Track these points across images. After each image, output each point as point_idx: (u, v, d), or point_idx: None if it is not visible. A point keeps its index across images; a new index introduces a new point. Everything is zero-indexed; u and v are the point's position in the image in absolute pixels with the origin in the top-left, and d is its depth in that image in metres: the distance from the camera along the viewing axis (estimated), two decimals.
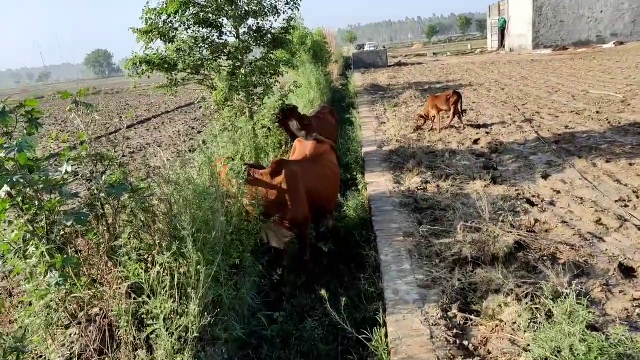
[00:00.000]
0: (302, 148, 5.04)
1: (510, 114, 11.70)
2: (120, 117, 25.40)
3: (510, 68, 24.44)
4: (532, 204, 5.78)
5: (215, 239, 3.30)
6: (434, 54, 48.71)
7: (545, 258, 4.34)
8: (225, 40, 7.07)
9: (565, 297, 3.28)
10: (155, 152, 14.15)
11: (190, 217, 3.24)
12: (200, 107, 7.21)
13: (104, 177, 3.37)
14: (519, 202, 5.80)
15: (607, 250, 4.44)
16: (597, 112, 10.68)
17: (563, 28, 36.66)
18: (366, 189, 6.67)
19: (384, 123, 11.98)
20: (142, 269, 2.99)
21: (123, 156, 13.74)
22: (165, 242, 3.32)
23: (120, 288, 2.85)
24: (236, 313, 3.63)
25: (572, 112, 11.12)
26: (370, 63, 35.85)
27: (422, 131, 10.76)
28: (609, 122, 9.62)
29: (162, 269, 2.98)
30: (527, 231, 4.96)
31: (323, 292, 3.03)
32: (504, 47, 42.80)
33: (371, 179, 7.00)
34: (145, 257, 3.23)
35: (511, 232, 4.71)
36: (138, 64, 6.15)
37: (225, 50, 6.97)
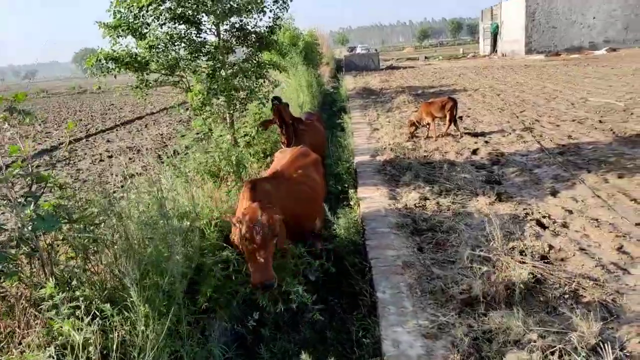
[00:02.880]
0: (279, 159, 4.39)
1: (508, 122, 11.17)
2: (104, 118, 24.54)
3: (504, 73, 24.04)
4: (543, 226, 5.18)
5: (167, 284, 2.63)
6: (425, 57, 48.30)
7: (566, 296, 3.74)
8: (204, 38, 6.40)
9: (599, 353, 2.72)
10: (133, 158, 13.41)
11: (136, 259, 2.58)
12: (175, 112, 6.46)
13: (31, 207, 2.66)
14: (528, 224, 5.20)
15: (635, 285, 3.85)
16: (600, 122, 10.18)
17: (556, 34, 36.52)
18: (359, 204, 6.04)
19: (377, 129, 11.38)
20: (72, 327, 2.32)
21: (93, 168, 12.66)
22: (107, 290, 2.65)
23: (38, 355, 2.17)
24: None
25: (573, 120, 10.62)
26: (362, 66, 35.31)
27: (417, 139, 10.16)
28: (613, 133, 9.10)
29: (97, 327, 2.32)
30: (542, 260, 4.36)
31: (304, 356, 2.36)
32: (496, 51, 42.59)
33: (364, 194, 6.37)
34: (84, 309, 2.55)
35: (525, 263, 4.10)
36: (103, 61, 5.44)
37: (204, 50, 6.29)
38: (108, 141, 17.03)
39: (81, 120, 24.98)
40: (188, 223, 2.88)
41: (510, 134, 9.90)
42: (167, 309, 2.64)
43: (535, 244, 4.67)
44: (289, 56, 14.78)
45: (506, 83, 19.43)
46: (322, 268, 4.79)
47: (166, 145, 14.32)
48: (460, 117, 11.67)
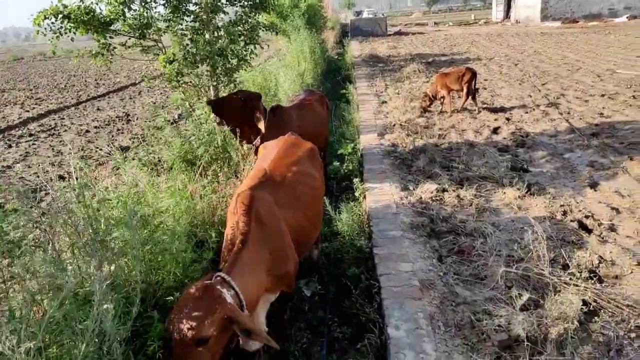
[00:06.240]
0: (265, 156, 3.38)
1: (530, 96, 10.12)
2: (98, 83, 23.41)
3: (519, 41, 22.61)
4: (587, 230, 4.31)
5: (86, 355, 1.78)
6: (435, 23, 46.25)
7: (632, 335, 2.90)
8: None
9: None
10: (121, 129, 12.43)
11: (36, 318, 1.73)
12: (143, 82, 5.47)
13: None
14: (569, 226, 4.33)
15: None
16: (634, 97, 9.12)
17: (573, 0, 34.58)
18: (365, 197, 5.15)
19: (385, 102, 10.35)
20: None
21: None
22: None
23: None
24: None
25: (602, 95, 9.55)
26: (369, 31, 33.60)
27: (430, 114, 9.18)
28: None
29: None
30: (591, 277, 3.50)
31: None
32: (509, 18, 40.64)
33: (371, 183, 5.47)
34: None
35: (577, 285, 3.25)
36: (53, 19, 4.43)
37: (183, 7, 5.26)
38: (98, 109, 16.10)
39: (74, 86, 23.90)
40: (110, 268, 1.98)
41: (533, 109, 8.89)
42: None
43: (581, 255, 3.81)
44: (290, 19, 13.58)
45: (523, 52, 18.13)
46: (318, 279, 3.99)
47: (157, 115, 13.33)
48: (477, 89, 10.63)
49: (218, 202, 3.99)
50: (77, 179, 3.29)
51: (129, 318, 2.22)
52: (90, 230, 2.38)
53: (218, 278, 2.08)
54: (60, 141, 11.56)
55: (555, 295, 3.08)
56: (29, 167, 9.66)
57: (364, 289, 3.59)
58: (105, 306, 1.89)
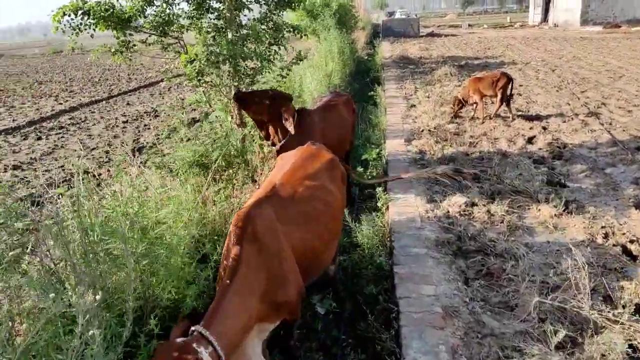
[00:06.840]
0: (280, 167, 3.14)
1: (568, 104, 9.59)
2: (130, 78, 23.75)
3: (557, 45, 21.75)
4: (632, 256, 3.92)
5: None
6: (469, 25, 45.25)
7: None
8: None
9: None
10: (148, 125, 12.47)
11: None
12: (163, 80, 5.34)
13: None
14: (611, 251, 3.95)
15: None
16: None
17: (617, 3, 33.17)
18: (387, 208, 4.88)
19: (414, 106, 10.00)
20: None
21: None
22: None
23: None
24: None
25: None
26: (401, 32, 33.07)
27: (461, 120, 8.80)
28: None
29: None
30: (637, 313, 3.14)
31: None
32: (547, 21, 39.35)
33: (395, 193, 5.18)
34: None
35: (621, 323, 2.90)
36: (72, 15, 4.33)
37: (205, 5, 5.09)
38: (128, 104, 16.26)
39: (107, 80, 24.36)
40: (95, 296, 1.79)
41: (572, 119, 8.40)
42: None
43: (625, 285, 3.44)
44: (320, 18, 13.35)
45: (561, 57, 17.39)
46: (334, 296, 3.75)
47: (175, 115, 13.26)
48: (511, 95, 10.16)
49: (232, 210, 3.79)
50: (91, 178, 3.14)
51: (119, 342, 2.04)
52: (85, 241, 2.21)
53: (195, 333, 1.88)
54: (89, 135, 11.67)
55: (596, 334, 2.74)
56: (56, 160, 9.79)
57: (382, 311, 3.33)
58: (90, 332, 1.70)
